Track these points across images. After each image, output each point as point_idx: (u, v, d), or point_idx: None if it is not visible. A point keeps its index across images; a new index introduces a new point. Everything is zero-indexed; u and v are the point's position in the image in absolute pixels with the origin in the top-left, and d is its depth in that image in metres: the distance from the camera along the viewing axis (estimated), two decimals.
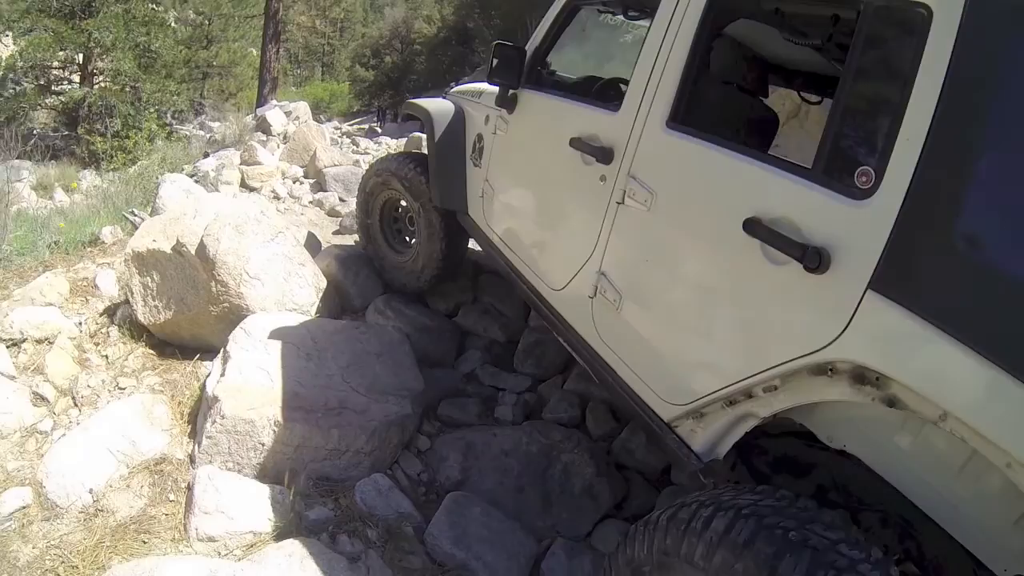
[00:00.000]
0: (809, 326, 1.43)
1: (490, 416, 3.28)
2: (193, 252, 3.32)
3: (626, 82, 2.26)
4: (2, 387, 2.88)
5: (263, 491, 2.47)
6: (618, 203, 2.11)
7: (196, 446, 2.66)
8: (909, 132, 1.29)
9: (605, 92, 2.90)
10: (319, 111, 20.95)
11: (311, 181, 6.63)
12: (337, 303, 3.87)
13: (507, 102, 2.94)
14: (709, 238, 1.75)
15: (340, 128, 18.78)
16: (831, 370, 1.38)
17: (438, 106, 3.61)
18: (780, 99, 3.80)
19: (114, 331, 3.55)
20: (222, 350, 3.00)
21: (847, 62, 1.46)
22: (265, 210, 3.70)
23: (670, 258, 1.93)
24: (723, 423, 1.70)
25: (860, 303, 1.32)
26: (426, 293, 3.89)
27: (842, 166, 1.43)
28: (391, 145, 17.11)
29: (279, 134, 9.15)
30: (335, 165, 6.65)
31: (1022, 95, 1.16)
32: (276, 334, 3.03)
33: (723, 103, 2.22)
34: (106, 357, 3.38)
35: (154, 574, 1.98)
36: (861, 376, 1.32)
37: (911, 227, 1.26)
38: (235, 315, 3.26)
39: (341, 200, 6.11)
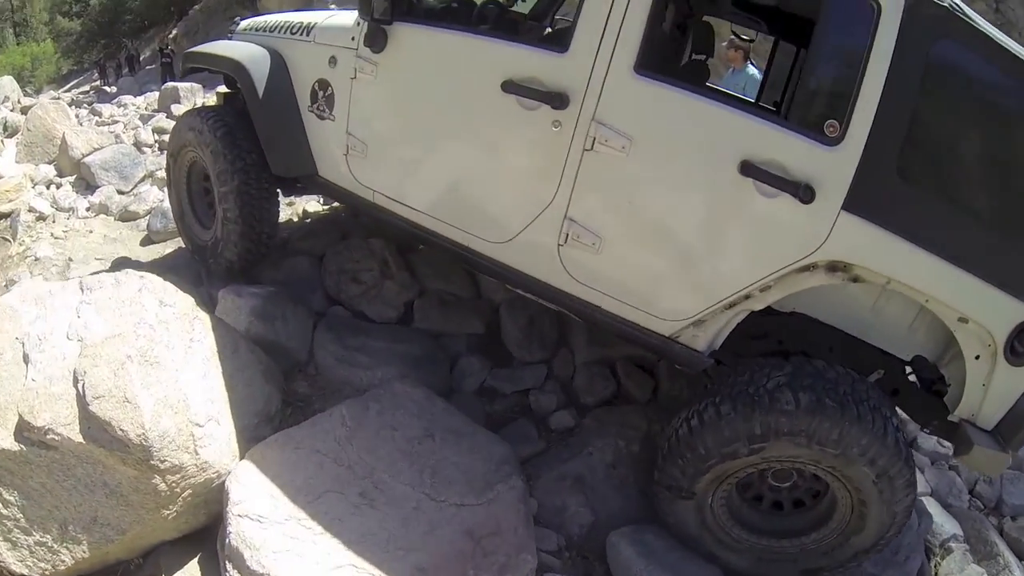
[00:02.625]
0: (800, 239, 1.92)
1: (547, 429, 2.83)
2: (80, 438, 1.98)
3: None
4: None
5: None
6: (586, 150, 2.08)
7: None
8: (865, 97, 1.82)
9: (502, 20, 2.67)
10: (23, 83, 17.13)
11: (71, 179, 5.15)
12: (278, 374, 2.65)
13: (376, 39, 2.37)
14: (703, 179, 2.01)
15: (59, 99, 15.57)
16: (813, 266, 1.93)
17: (245, 52, 2.84)
18: None
19: None
20: (221, 553, 1.98)
21: (814, 40, 1.96)
22: (148, 286, 2.45)
23: (660, 198, 2.09)
24: (721, 322, 2.10)
25: (836, 219, 1.87)
26: (241, 274, 3.14)
27: (815, 120, 1.91)
28: (139, 104, 14.53)
29: None
30: (96, 150, 5.23)
31: (944, 73, 1.85)
32: (282, 485, 2.05)
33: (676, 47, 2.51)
34: None
35: None
36: (834, 266, 1.93)
37: (868, 166, 1.83)
38: (205, 495, 2.12)
39: (122, 193, 4.86)
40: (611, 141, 2.04)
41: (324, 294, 3.23)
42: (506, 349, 3.15)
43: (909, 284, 1.93)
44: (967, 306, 1.93)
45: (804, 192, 1.83)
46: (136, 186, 5.18)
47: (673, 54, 2.56)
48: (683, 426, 2.10)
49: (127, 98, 15.54)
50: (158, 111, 10.23)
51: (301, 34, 2.73)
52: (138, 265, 3.49)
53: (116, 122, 11.67)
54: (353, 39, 2.48)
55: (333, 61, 2.56)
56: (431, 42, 2.37)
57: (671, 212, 2.08)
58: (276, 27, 2.86)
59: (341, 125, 2.59)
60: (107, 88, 21.92)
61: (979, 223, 1.94)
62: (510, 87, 2.13)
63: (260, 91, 2.71)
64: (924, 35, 1.79)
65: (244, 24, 3.14)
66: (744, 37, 4.32)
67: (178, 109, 8.98)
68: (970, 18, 1.82)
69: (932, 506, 3.11)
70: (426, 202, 2.47)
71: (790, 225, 1.92)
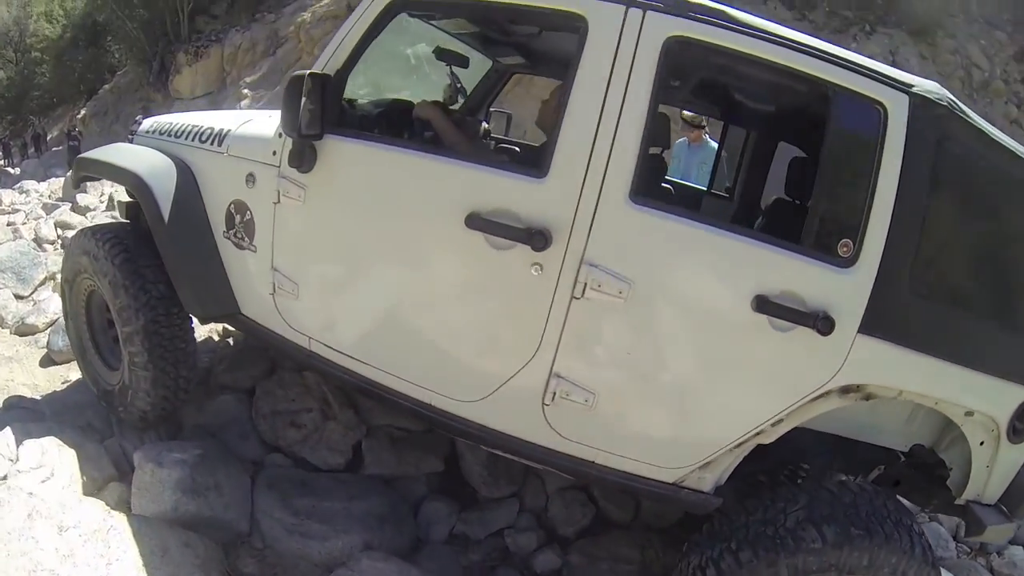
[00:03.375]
0: (816, 370, 1.79)
1: (532, 574, 2.55)
2: None
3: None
4: None
5: None
6: (575, 297, 1.77)
7: None
8: (878, 208, 1.72)
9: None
10: None
11: None
12: (219, 560, 2.18)
13: (304, 158, 1.92)
14: (714, 321, 1.81)
15: None
16: (827, 393, 1.81)
17: (146, 163, 2.32)
18: None
19: None
20: None
21: (823, 153, 1.82)
22: (41, 508, 1.92)
23: (665, 346, 1.86)
24: (729, 460, 1.93)
25: (852, 344, 1.76)
26: (158, 424, 2.62)
27: (827, 240, 1.77)
28: (41, 191, 13.50)
29: None
30: None
31: (949, 174, 1.77)
32: None
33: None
34: None
35: None
36: (848, 389, 1.81)
37: (883, 284, 1.73)
38: None
39: (20, 299, 4.12)
40: (606, 286, 1.74)
41: (259, 439, 2.76)
42: (470, 485, 2.84)
43: (921, 393, 1.89)
44: (974, 401, 1.94)
45: (823, 324, 1.71)
46: (36, 290, 4.56)
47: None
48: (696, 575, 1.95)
49: (30, 183, 14.48)
50: (63, 200, 9.44)
51: (212, 143, 2.25)
52: (34, 407, 2.90)
53: (16, 211, 10.72)
54: (275, 154, 2.03)
55: (251, 179, 2.08)
56: (372, 161, 1.94)
57: (677, 360, 1.86)
58: (183, 132, 2.38)
59: (264, 258, 2.09)
60: (10, 170, 20.68)
61: (981, 319, 1.94)
62: (476, 222, 1.76)
63: (165, 214, 2.19)
64: (929, 136, 1.73)
65: (147, 124, 2.63)
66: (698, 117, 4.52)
67: (84, 199, 8.25)
68: (968, 115, 1.79)
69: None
70: (375, 354, 2.01)
71: (806, 357, 1.79)
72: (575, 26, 1.74)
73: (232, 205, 2.15)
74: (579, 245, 1.73)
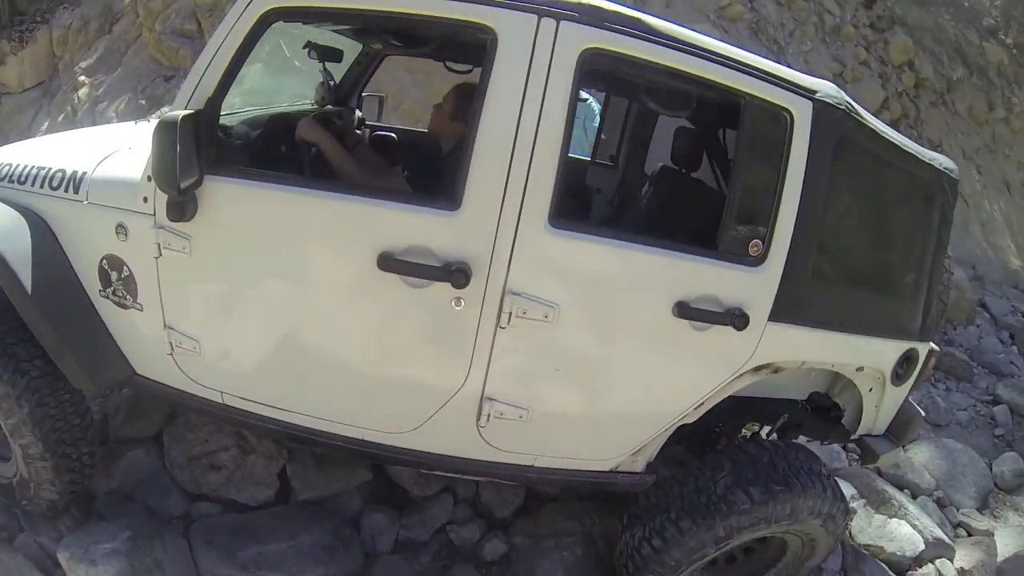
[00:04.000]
0: (732, 358, 1.94)
1: (483, 563, 2.62)
2: None
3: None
4: None
5: None
6: (500, 327, 1.76)
7: None
8: (784, 210, 1.84)
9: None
10: None
11: None
12: None
13: (183, 209, 1.70)
14: (636, 330, 1.87)
15: None
16: (742, 374, 1.97)
17: None
18: None
19: None
20: None
21: (735, 162, 1.89)
22: None
23: (592, 358, 1.91)
24: (657, 443, 2.07)
25: (763, 332, 1.91)
26: (69, 508, 2.33)
27: (739, 243, 1.86)
28: None
29: None
30: None
31: (842, 172, 1.92)
32: None
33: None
34: None
35: None
36: (759, 368, 1.98)
37: (789, 276, 1.88)
38: None
39: None
40: (531, 312, 1.75)
41: (180, 491, 2.57)
42: (401, 487, 2.82)
43: (821, 361, 2.13)
44: (863, 359, 2.20)
45: (739, 321, 1.84)
46: None
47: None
48: (643, 546, 2.16)
49: None
50: None
51: (66, 188, 1.93)
52: None
53: None
54: (146, 200, 1.78)
55: (122, 231, 1.84)
56: (262, 202, 1.76)
57: (605, 369, 1.93)
58: (28, 176, 2.02)
59: (154, 317, 1.89)
60: None
61: (866, 293, 2.20)
62: (389, 264, 1.68)
63: (25, 282, 1.86)
64: (829, 138, 1.86)
65: None
66: None
67: None
68: (861, 116, 1.95)
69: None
70: (297, 401, 1.92)
71: (723, 349, 1.93)
72: (481, 39, 1.65)
73: (104, 260, 1.89)
74: (500, 276, 1.70)
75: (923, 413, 2.61)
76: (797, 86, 1.83)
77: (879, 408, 2.37)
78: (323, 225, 1.74)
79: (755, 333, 1.90)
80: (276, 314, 1.85)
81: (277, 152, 2.28)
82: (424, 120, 2.93)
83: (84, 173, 1.92)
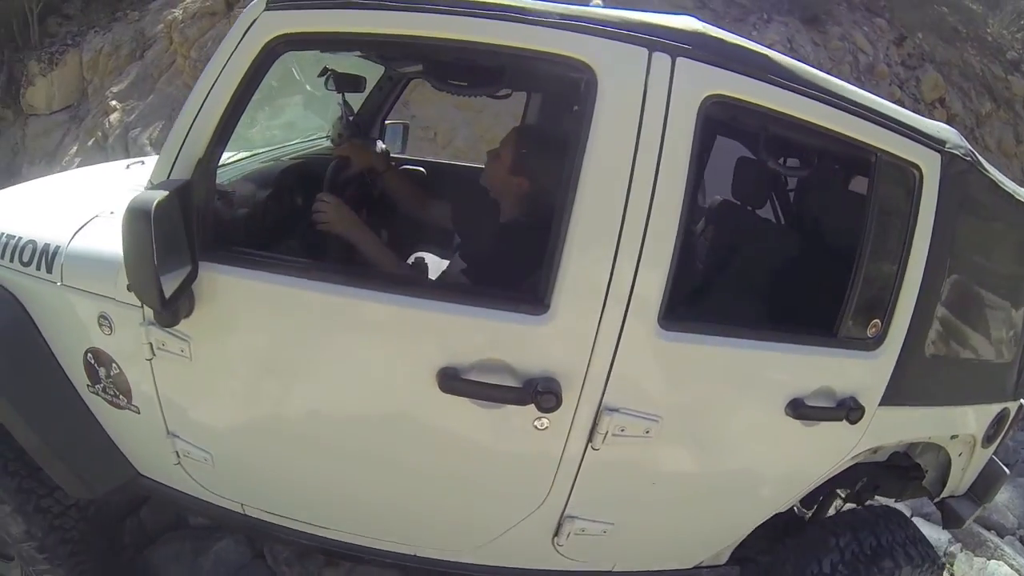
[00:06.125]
0: (840, 448, 1.70)
1: None
2: None
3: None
4: None
5: None
6: (594, 450, 1.43)
7: None
8: (909, 280, 1.57)
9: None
10: None
11: None
12: None
13: (173, 314, 1.32)
14: (742, 434, 1.60)
15: None
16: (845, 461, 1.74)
17: None
18: None
19: None
20: None
21: (862, 232, 1.52)
22: None
23: (690, 469, 1.63)
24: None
25: (872, 418, 1.65)
26: None
27: (859, 325, 1.57)
28: None
29: None
30: None
31: (968, 240, 1.68)
32: None
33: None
34: None
35: None
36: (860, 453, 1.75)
37: (906, 356, 1.63)
38: None
39: None
40: (630, 429, 1.42)
41: None
42: None
43: (919, 437, 1.90)
44: (959, 428, 1.97)
45: (853, 414, 1.59)
46: None
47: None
48: None
49: None
50: None
51: (38, 266, 1.55)
52: None
53: None
54: (131, 289, 1.36)
55: (106, 323, 1.46)
56: (278, 300, 1.36)
57: (704, 476, 1.66)
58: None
59: (153, 422, 1.52)
60: None
61: (971, 361, 1.94)
62: (454, 384, 1.30)
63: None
64: (955, 197, 1.58)
65: None
66: None
67: None
68: (985, 168, 1.70)
69: (920, 525, 3.28)
70: (334, 518, 1.57)
71: (831, 442, 1.69)
72: (575, 79, 1.28)
73: (89, 354, 1.53)
74: (596, 392, 1.35)
75: (1007, 472, 2.40)
76: (927, 136, 1.53)
77: (965, 470, 2.16)
78: (364, 332, 1.35)
79: (865, 421, 1.65)
80: (304, 429, 1.47)
81: (293, 217, 1.87)
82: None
83: (58, 247, 1.54)
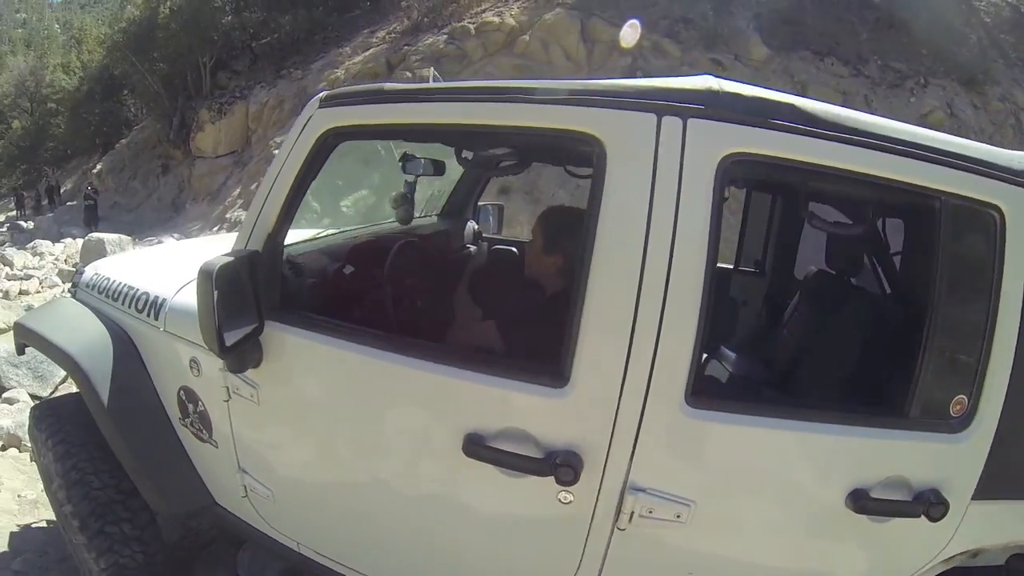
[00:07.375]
0: (922, 550, 1.49)
1: None
2: None
3: None
4: None
5: None
6: (620, 529, 1.36)
7: None
8: (999, 346, 1.35)
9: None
10: None
11: None
12: None
13: (244, 360, 1.52)
14: (794, 528, 1.44)
15: None
16: (932, 566, 1.52)
17: (81, 339, 1.90)
18: None
19: None
20: None
21: (930, 293, 1.35)
22: None
23: (737, 561, 1.45)
24: None
25: (964, 515, 1.44)
26: None
27: (936, 404, 1.39)
28: (56, 253, 13.33)
29: None
30: (3, 331, 4.28)
31: None
32: None
33: None
34: None
35: None
36: (954, 556, 1.52)
37: (1002, 439, 1.39)
38: None
39: (37, 399, 3.75)
40: (659, 511, 1.32)
41: None
42: None
43: None
44: None
45: (934, 510, 1.38)
46: (56, 389, 4.07)
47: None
48: None
49: (44, 244, 14.38)
50: (79, 265, 9.25)
51: (148, 313, 1.84)
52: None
53: (30, 276, 10.54)
54: None
55: (195, 366, 1.69)
56: (329, 361, 1.51)
57: (748, 571, 1.50)
58: (119, 293, 1.97)
59: (228, 457, 1.71)
60: (23, 223, 20.68)
61: None
62: (477, 451, 1.33)
63: (105, 401, 1.78)
64: None
65: (88, 275, 2.21)
66: None
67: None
68: None
69: None
70: (376, 567, 1.65)
71: (910, 542, 1.49)
72: (586, 153, 1.31)
73: (182, 391, 1.76)
74: (620, 469, 1.30)
75: None
76: (1006, 171, 1.34)
77: None
78: (403, 395, 1.44)
79: (954, 518, 1.43)
80: (351, 480, 1.58)
81: (361, 288, 2.01)
82: None
83: (164, 299, 1.82)
